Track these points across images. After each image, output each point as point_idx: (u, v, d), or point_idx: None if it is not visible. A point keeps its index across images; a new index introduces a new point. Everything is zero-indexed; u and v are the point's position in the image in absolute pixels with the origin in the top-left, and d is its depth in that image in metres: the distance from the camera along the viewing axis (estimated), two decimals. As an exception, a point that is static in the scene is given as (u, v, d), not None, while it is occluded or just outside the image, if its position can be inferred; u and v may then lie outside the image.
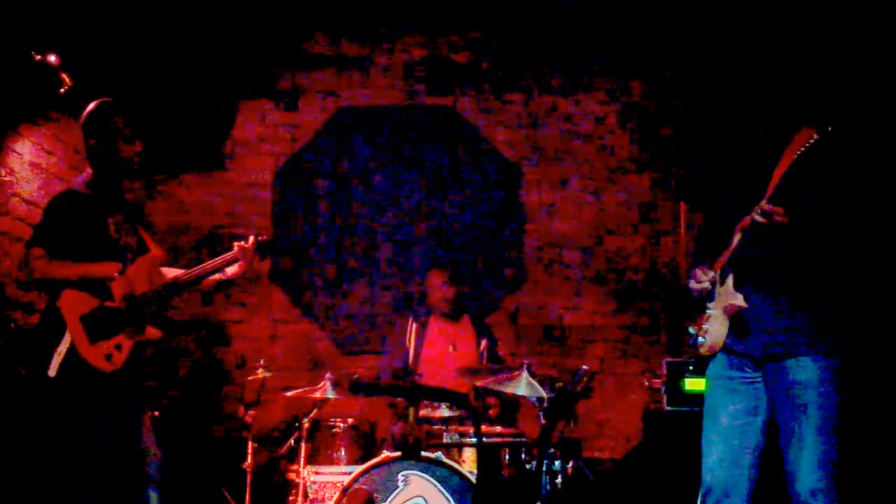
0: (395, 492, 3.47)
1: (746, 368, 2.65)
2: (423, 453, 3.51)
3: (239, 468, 3.97)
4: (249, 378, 4.17)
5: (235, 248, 3.23)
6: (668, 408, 4.24)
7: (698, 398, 2.86)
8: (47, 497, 2.98)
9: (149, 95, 4.72)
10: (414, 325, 4.51)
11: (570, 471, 3.53)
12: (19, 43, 4.11)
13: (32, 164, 4.48)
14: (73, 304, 2.88)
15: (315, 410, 3.86)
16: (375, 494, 3.45)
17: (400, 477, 3.49)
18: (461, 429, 3.77)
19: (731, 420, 2.65)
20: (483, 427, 3.73)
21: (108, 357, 2.88)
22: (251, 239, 3.26)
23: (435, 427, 3.78)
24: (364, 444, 3.94)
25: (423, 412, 3.77)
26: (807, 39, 3.93)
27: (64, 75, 4.30)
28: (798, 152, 2.34)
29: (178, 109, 5.30)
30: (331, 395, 3.77)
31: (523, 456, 3.65)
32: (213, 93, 5.58)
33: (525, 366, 3.47)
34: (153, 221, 5.50)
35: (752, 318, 2.60)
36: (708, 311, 2.68)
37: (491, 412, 4.22)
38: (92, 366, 2.84)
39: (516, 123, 5.60)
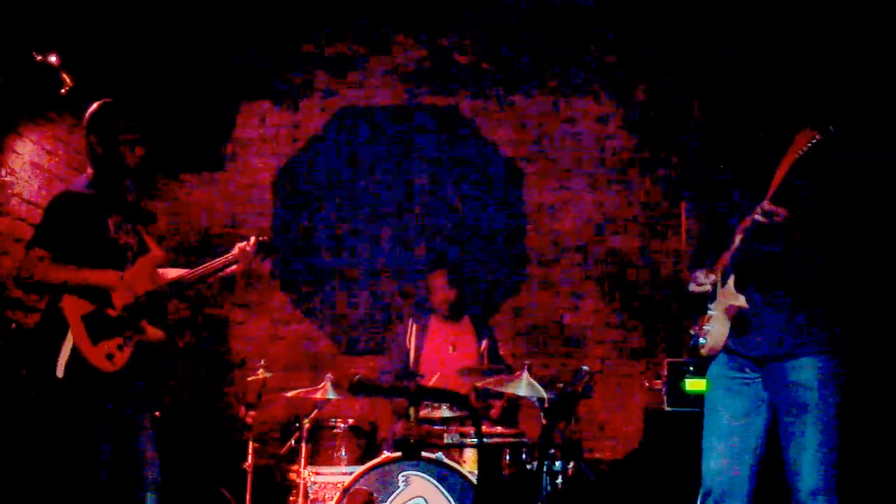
0: (396, 492, 3.48)
1: (747, 369, 2.65)
2: (424, 454, 3.51)
3: (239, 468, 3.97)
4: (250, 378, 4.17)
5: (236, 250, 3.23)
6: (669, 408, 4.24)
7: (699, 399, 2.87)
8: (47, 497, 2.97)
9: (149, 96, 4.71)
10: (414, 326, 4.51)
11: (570, 471, 3.53)
12: (20, 43, 4.10)
13: (33, 165, 4.48)
14: (75, 304, 2.88)
15: (316, 411, 3.87)
16: (376, 495, 3.45)
17: (400, 477, 3.49)
18: (462, 429, 3.77)
19: (732, 420, 2.65)
20: (484, 427, 3.73)
21: (110, 357, 2.88)
22: (252, 239, 3.26)
23: (436, 427, 3.78)
24: (364, 445, 3.94)
25: (423, 413, 3.77)
26: (807, 39, 3.93)
27: (65, 75, 4.30)
28: (799, 153, 2.34)
29: (178, 110, 5.30)
30: (331, 395, 3.78)
31: (524, 456, 3.65)
32: (213, 93, 5.58)
33: (526, 366, 3.48)
34: (153, 222, 5.50)
35: (753, 319, 2.60)
36: (709, 311, 2.69)
37: (493, 412, 4.22)
38: (94, 366, 2.84)
39: (517, 123, 5.60)
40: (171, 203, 5.61)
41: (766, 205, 2.41)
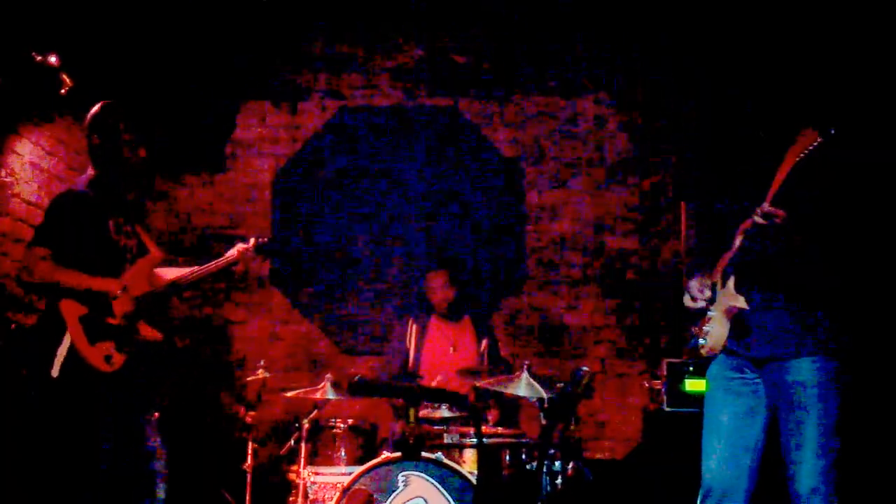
0: (396, 492, 3.48)
1: (746, 370, 2.65)
2: (424, 454, 3.51)
3: (239, 469, 3.97)
4: (250, 378, 4.16)
5: (235, 252, 3.24)
6: (669, 408, 4.23)
7: (699, 399, 2.87)
8: (47, 497, 2.98)
9: (149, 96, 4.72)
10: (414, 326, 4.51)
11: (570, 471, 3.53)
12: (20, 44, 4.11)
13: (33, 165, 4.48)
14: (73, 306, 2.89)
15: (315, 411, 3.87)
16: (375, 495, 3.45)
17: (400, 477, 3.49)
18: (461, 429, 3.77)
19: (731, 421, 2.65)
20: (483, 427, 3.73)
21: (108, 358, 2.88)
22: (251, 241, 3.28)
23: (435, 427, 3.79)
24: (364, 445, 3.94)
25: (423, 413, 3.78)
26: (806, 39, 3.93)
27: (64, 76, 4.30)
28: (800, 155, 2.33)
29: (178, 110, 5.30)
30: (331, 395, 3.78)
31: (523, 456, 3.65)
32: (213, 93, 5.58)
33: (525, 366, 3.48)
34: (153, 222, 5.50)
35: (752, 320, 2.60)
36: (708, 312, 2.68)
37: (490, 418, 4.21)
38: (92, 366, 2.85)
39: (517, 124, 5.60)
40: (171, 203, 5.61)
41: (765, 207, 2.41)
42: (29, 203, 4.41)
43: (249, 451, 3.95)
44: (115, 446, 2.88)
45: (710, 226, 2.94)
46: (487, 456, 3.58)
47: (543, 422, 3.34)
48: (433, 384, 4.13)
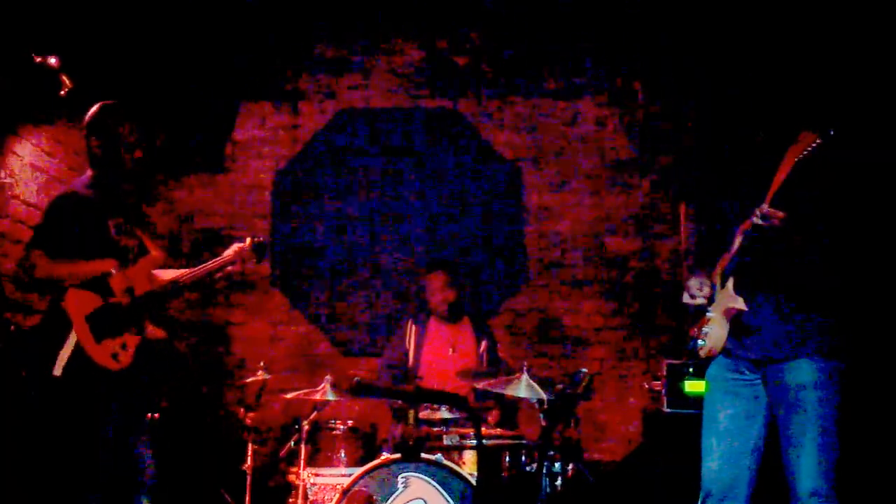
0: (395, 494, 3.47)
1: (746, 371, 2.65)
2: (423, 455, 3.51)
3: (239, 470, 3.96)
4: (249, 380, 4.17)
5: (231, 252, 3.25)
6: (668, 409, 4.23)
7: (698, 400, 2.86)
8: (48, 497, 2.98)
9: (149, 97, 4.71)
10: (413, 327, 4.50)
11: (570, 473, 3.53)
12: (20, 45, 4.11)
13: (32, 166, 4.48)
14: (79, 304, 2.89)
15: (315, 412, 3.87)
16: (375, 496, 3.45)
17: (400, 479, 3.49)
18: (461, 431, 3.77)
19: (731, 422, 2.65)
20: (483, 429, 3.73)
21: (115, 356, 2.89)
22: (248, 241, 3.28)
23: (435, 429, 3.78)
24: (364, 446, 3.94)
25: (423, 414, 3.77)
26: (806, 39, 3.92)
27: (64, 77, 4.30)
28: (800, 156, 2.33)
29: (178, 111, 5.30)
30: (330, 397, 3.78)
31: (523, 458, 3.65)
32: (213, 94, 5.58)
33: (525, 368, 3.48)
34: (153, 223, 5.50)
35: (751, 321, 2.60)
36: (708, 313, 2.68)
37: (490, 419, 4.21)
38: (98, 365, 2.85)
39: (517, 125, 5.60)
40: (170, 204, 5.61)
41: (765, 208, 2.41)
42: (28, 204, 4.41)
43: (249, 452, 3.95)
44: (115, 446, 2.88)
45: (710, 226, 2.94)
46: (487, 457, 3.57)
47: (543, 423, 3.33)
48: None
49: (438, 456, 3.54)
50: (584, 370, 3.34)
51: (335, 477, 3.74)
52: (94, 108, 3.09)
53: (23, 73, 4.15)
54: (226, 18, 5.29)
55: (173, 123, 5.22)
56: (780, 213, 2.39)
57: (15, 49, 4.08)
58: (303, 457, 3.72)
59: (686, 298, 2.71)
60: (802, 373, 2.53)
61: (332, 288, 5.52)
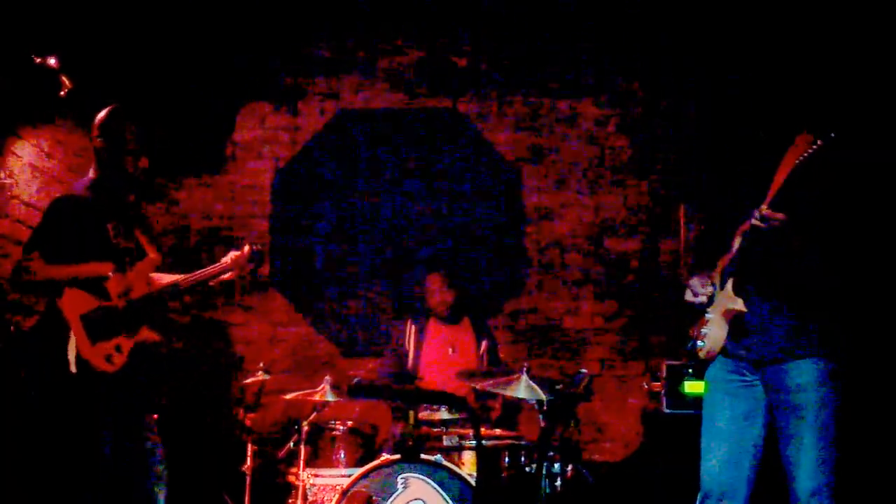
0: (395, 494, 3.48)
1: (745, 372, 2.65)
2: (423, 456, 3.51)
3: (238, 471, 3.97)
4: (249, 380, 4.17)
5: (229, 259, 3.25)
6: (668, 410, 4.23)
7: (698, 401, 2.86)
8: (48, 497, 2.98)
9: (149, 97, 4.71)
10: (413, 328, 4.50)
11: (569, 473, 3.53)
12: (19, 45, 4.11)
13: (32, 167, 4.48)
14: (74, 304, 2.90)
15: (315, 413, 3.87)
16: (375, 497, 3.45)
17: (399, 479, 3.49)
18: (461, 431, 3.77)
19: (730, 423, 2.65)
20: (482, 430, 3.73)
21: (109, 358, 2.89)
22: (246, 248, 3.28)
23: (434, 430, 3.78)
24: (363, 447, 3.94)
25: (422, 415, 3.77)
26: (806, 39, 3.92)
27: (64, 78, 4.30)
28: (800, 158, 2.33)
29: (178, 111, 5.30)
30: (330, 397, 3.78)
31: (523, 459, 3.65)
32: (213, 94, 5.58)
33: (525, 368, 3.48)
34: (152, 224, 5.50)
35: (751, 322, 2.60)
36: (707, 315, 2.68)
37: (492, 414, 4.22)
38: (92, 366, 2.85)
39: (516, 125, 5.59)
40: (170, 205, 5.61)
41: (764, 210, 2.41)
42: (28, 205, 4.41)
43: (249, 453, 3.95)
44: (115, 446, 2.88)
45: (710, 227, 2.94)
46: (487, 458, 3.57)
47: (543, 424, 3.33)
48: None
49: (438, 456, 3.54)
50: (584, 371, 3.35)
51: (335, 477, 3.73)
52: (103, 112, 3.09)
53: (23, 74, 4.16)
54: (226, 18, 5.29)
55: (173, 124, 5.22)
56: (780, 215, 2.39)
57: (15, 49, 4.08)
58: (302, 457, 3.73)
59: (689, 297, 2.71)
60: (802, 373, 2.53)
61: (332, 288, 5.52)
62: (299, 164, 5.62)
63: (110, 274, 2.95)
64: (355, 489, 3.46)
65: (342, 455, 3.86)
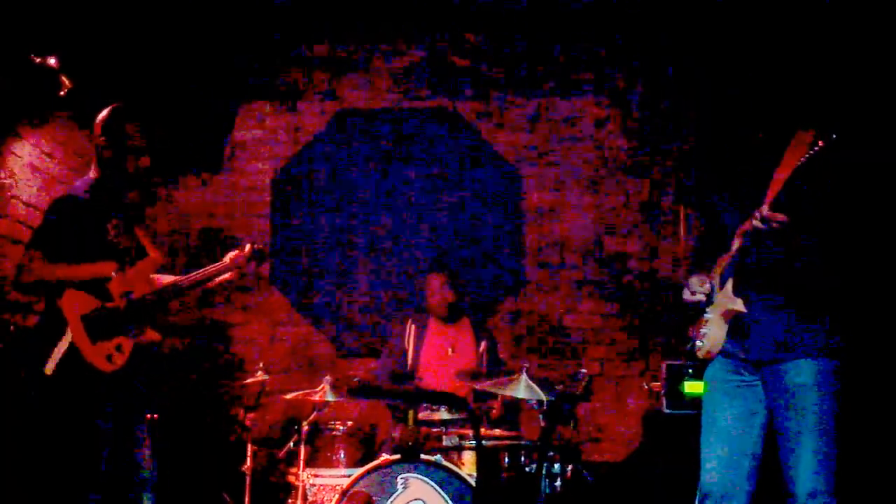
0: (395, 495, 3.47)
1: (744, 371, 2.65)
2: (423, 456, 3.51)
3: (238, 471, 3.97)
4: (249, 381, 4.17)
5: (227, 259, 3.25)
6: (668, 410, 4.23)
7: (698, 401, 2.86)
8: (47, 497, 2.98)
9: (148, 97, 4.71)
10: (413, 328, 4.50)
11: (569, 474, 3.53)
12: (19, 45, 4.11)
13: (32, 167, 4.48)
14: (74, 304, 2.89)
15: (314, 413, 3.86)
16: (375, 497, 3.45)
17: (399, 480, 3.49)
18: (460, 431, 3.77)
19: (730, 423, 2.64)
20: (482, 430, 3.73)
21: (109, 358, 2.89)
22: (247, 247, 3.27)
23: (434, 430, 3.78)
24: (363, 447, 3.94)
25: (422, 415, 3.77)
26: (806, 39, 3.92)
27: (64, 78, 4.30)
28: (801, 159, 2.32)
29: (177, 111, 5.29)
30: (330, 397, 3.77)
31: (522, 459, 3.65)
32: (213, 94, 5.57)
33: (524, 368, 3.48)
34: (152, 225, 5.50)
35: (750, 322, 2.59)
36: (706, 315, 2.68)
37: (493, 413, 4.22)
38: (93, 366, 2.85)
39: (516, 125, 5.59)
40: (169, 205, 5.61)
41: (765, 212, 2.40)
42: (28, 205, 4.41)
43: (249, 453, 3.95)
44: (113, 447, 2.88)
45: (710, 227, 2.93)
46: (486, 458, 3.57)
47: (542, 424, 3.33)
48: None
49: (438, 457, 3.54)
50: (584, 371, 3.35)
51: (334, 478, 3.73)
52: (105, 111, 3.08)
53: (23, 74, 4.15)
54: (226, 18, 5.28)
55: (173, 124, 5.21)
56: (780, 216, 2.38)
57: (15, 49, 4.08)
58: (302, 457, 3.72)
59: (686, 295, 2.71)
60: (802, 373, 2.53)
61: (331, 288, 5.52)
62: (299, 164, 5.62)
63: (113, 274, 2.95)
64: (355, 489, 3.46)
65: (342, 455, 3.86)
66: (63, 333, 2.85)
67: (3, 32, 3.96)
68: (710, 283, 2.67)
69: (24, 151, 4.42)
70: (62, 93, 4.31)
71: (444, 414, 3.79)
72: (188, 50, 5.30)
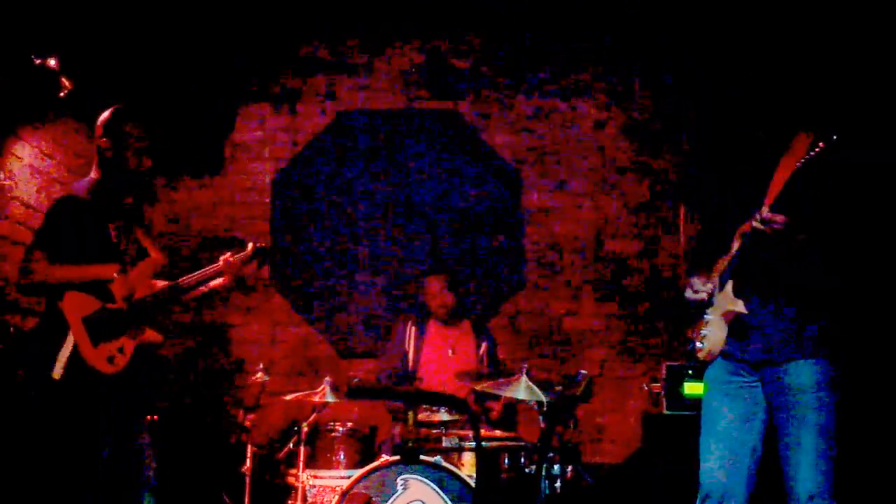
0: (395, 496, 3.47)
1: (744, 373, 2.65)
2: (422, 457, 3.50)
3: (238, 472, 3.96)
4: (249, 382, 4.16)
5: (221, 262, 3.21)
6: (668, 412, 4.23)
7: (697, 402, 2.86)
8: (47, 498, 2.98)
9: (149, 98, 4.71)
10: (413, 329, 4.50)
11: (569, 475, 3.52)
12: (19, 45, 4.11)
13: (32, 168, 4.48)
14: (75, 306, 2.89)
15: (314, 414, 3.85)
16: (374, 498, 3.45)
17: (399, 481, 3.48)
18: (460, 433, 3.76)
19: (729, 424, 2.65)
20: (482, 431, 3.72)
21: (111, 359, 2.89)
22: (249, 246, 3.26)
23: (434, 431, 3.78)
24: (363, 448, 3.93)
25: (422, 416, 3.76)
26: (806, 38, 3.92)
27: (63, 79, 4.30)
28: (801, 161, 2.32)
29: (177, 112, 5.29)
30: (330, 398, 3.77)
31: (522, 460, 3.64)
32: (212, 94, 5.58)
33: (524, 369, 3.47)
34: (152, 225, 5.50)
35: (750, 323, 2.59)
36: (706, 316, 2.68)
37: (493, 414, 4.22)
38: (94, 368, 2.85)
39: (516, 126, 5.59)
40: (169, 206, 5.61)
41: (765, 213, 2.40)
42: (28, 206, 4.41)
43: (248, 455, 3.94)
44: (114, 448, 2.88)
45: (710, 227, 2.94)
46: (486, 459, 3.57)
47: (542, 425, 3.33)
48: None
49: (437, 458, 3.54)
50: (584, 372, 3.34)
51: (334, 479, 3.73)
52: (106, 112, 3.08)
53: (23, 75, 4.15)
54: (226, 18, 5.28)
55: (173, 124, 5.21)
56: (781, 218, 2.39)
57: (15, 50, 4.08)
58: (302, 458, 3.72)
59: (689, 294, 2.71)
60: (801, 374, 2.53)
61: (331, 289, 5.51)
62: (299, 165, 5.62)
63: (115, 276, 2.95)
64: (355, 490, 3.46)
65: (342, 456, 3.85)
66: (66, 335, 2.85)
67: (3, 32, 3.96)
68: (712, 283, 2.67)
69: (24, 152, 4.42)
70: (62, 94, 4.32)
71: (443, 415, 3.79)
72: (188, 50, 5.31)
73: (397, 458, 3.52)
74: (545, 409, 3.33)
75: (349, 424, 3.95)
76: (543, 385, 3.41)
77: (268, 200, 5.60)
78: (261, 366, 4.16)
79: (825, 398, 2.51)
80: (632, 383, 5.26)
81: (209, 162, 5.61)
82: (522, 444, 3.76)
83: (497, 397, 4.14)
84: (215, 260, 3.23)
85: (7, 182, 4.28)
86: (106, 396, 2.88)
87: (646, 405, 4.67)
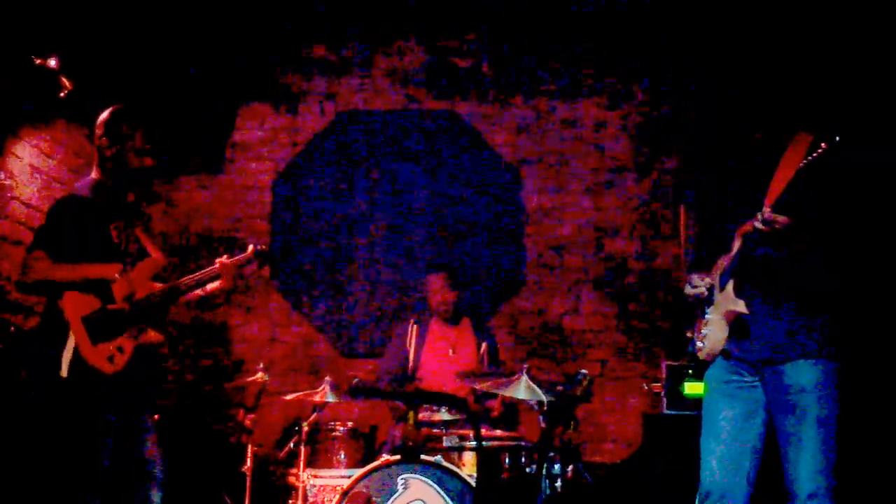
0: (395, 495, 3.47)
1: (745, 372, 2.65)
2: (423, 457, 3.51)
3: (238, 471, 3.96)
4: (249, 381, 4.16)
5: (217, 265, 3.20)
6: (668, 411, 4.22)
7: (698, 402, 2.86)
8: (48, 498, 2.98)
9: (149, 98, 4.71)
10: (414, 329, 4.50)
11: (569, 474, 3.53)
12: (19, 45, 4.11)
13: (32, 168, 4.49)
14: (75, 305, 2.89)
15: (315, 414, 3.86)
16: (375, 498, 3.45)
17: (399, 480, 3.48)
18: (461, 432, 3.77)
19: (730, 424, 2.65)
20: (483, 430, 3.73)
21: (111, 359, 2.89)
22: (250, 248, 3.26)
23: (434, 430, 3.78)
24: (363, 448, 3.94)
25: (422, 416, 3.77)
26: (806, 38, 3.92)
27: (64, 79, 4.30)
28: (803, 161, 2.32)
29: (177, 112, 5.29)
30: (330, 398, 3.78)
31: (523, 459, 3.65)
32: (213, 94, 5.58)
33: (525, 369, 3.48)
34: (152, 225, 5.50)
35: (751, 323, 2.59)
36: (707, 316, 2.68)
37: (493, 414, 4.22)
38: (94, 367, 2.85)
39: (517, 127, 5.59)
40: (169, 205, 5.61)
41: (767, 213, 2.40)
42: (28, 205, 4.41)
43: (249, 454, 3.95)
44: (115, 447, 2.88)
45: (710, 227, 2.94)
46: (487, 459, 3.57)
47: (543, 425, 3.33)
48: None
49: (438, 457, 3.54)
50: (584, 372, 3.34)
51: (335, 478, 3.74)
52: (107, 111, 3.07)
53: (23, 75, 4.16)
54: (226, 18, 5.29)
55: (173, 124, 5.21)
56: (782, 218, 2.39)
57: (15, 50, 4.08)
58: (302, 458, 3.72)
59: (688, 290, 2.72)
60: (802, 374, 2.53)
61: (331, 289, 5.51)
62: (299, 165, 5.62)
63: (117, 276, 2.94)
64: (355, 490, 3.46)
65: (342, 456, 3.86)
66: (67, 335, 2.85)
67: (3, 32, 3.96)
68: (710, 279, 2.67)
69: (25, 152, 4.43)
70: (62, 94, 4.32)
71: (444, 415, 3.79)
72: (189, 50, 5.31)
73: (398, 457, 3.53)
74: (546, 408, 3.33)
75: (349, 424, 3.96)
76: (544, 385, 3.41)
77: (268, 200, 5.60)
78: (261, 365, 4.17)
79: (826, 397, 2.51)
80: (632, 383, 5.26)
81: (209, 162, 5.61)
82: (523, 443, 3.77)
83: (497, 397, 4.14)
84: (213, 262, 3.24)
85: (7, 182, 4.28)
86: (106, 396, 2.88)
87: (646, 405, 4.67)
